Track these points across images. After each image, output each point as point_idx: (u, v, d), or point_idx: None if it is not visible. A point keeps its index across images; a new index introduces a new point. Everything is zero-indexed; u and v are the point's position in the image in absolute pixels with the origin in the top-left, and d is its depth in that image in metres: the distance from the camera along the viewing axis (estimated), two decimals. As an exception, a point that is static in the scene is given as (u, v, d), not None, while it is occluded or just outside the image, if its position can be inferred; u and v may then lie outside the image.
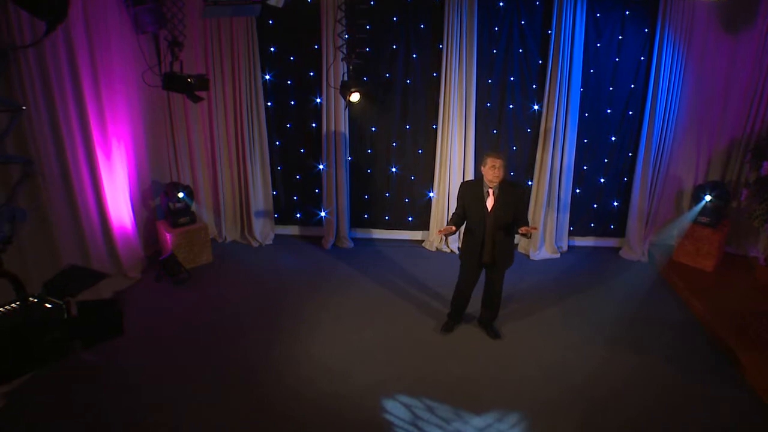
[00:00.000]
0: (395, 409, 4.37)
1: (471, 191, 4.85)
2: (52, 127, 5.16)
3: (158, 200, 6.87)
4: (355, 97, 5.80)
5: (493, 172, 4.66)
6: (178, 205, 6.55)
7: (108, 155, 5.99)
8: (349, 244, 7.25)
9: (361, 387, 4.59)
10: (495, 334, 5.32)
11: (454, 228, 4.78)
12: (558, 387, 4.66)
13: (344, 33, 5.65)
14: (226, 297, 5.98)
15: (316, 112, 6.84)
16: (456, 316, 5.41)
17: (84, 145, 5.61)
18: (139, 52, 5.98)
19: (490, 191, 4.75)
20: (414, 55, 6.58)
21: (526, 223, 4.82)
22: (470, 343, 5.24)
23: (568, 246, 7.20)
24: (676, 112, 6.47)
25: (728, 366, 4.96)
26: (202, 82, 5.18)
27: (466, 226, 4.97)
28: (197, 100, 5.22)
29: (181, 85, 5.02)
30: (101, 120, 5.84)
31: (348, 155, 6.98)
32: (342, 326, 5.45)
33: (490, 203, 4.77)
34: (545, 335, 5.39)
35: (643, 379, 4.77)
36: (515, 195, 4.79)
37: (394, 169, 7.08)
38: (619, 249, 7.18)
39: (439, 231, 4.78)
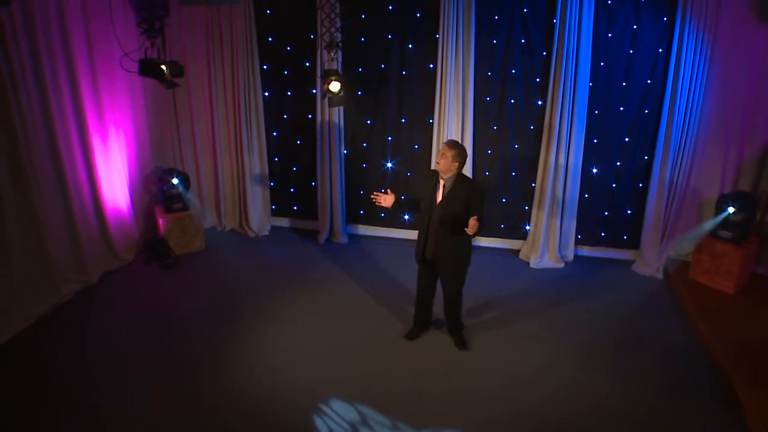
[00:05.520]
0: (330, 414, 4.14)
1: (428, 179, 4.56)
2: (43, 115, 5.30)
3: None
4: (335, 86, 5.61)
5: (438, 158, 4.35)
6: (174, 191, 6.65)
7: (104, 140, 6.15)
8: (343, 240, 7.06)
9: (301, 388, 4.38)
10: (461, 344, 4.94)
11: (392, 197, 4.41)
12: (515, 407, 4.24)
13: (326, 20, 5.46)
14: (202, 285, 5.98)
15: (312, 103, 6.69)
16: (420, 321, 5.07)
17: (78, 130, 5.76)
18: (140, 41, 6.07)
19: (441, 182, 4.42)
20: (410, 46, 6.26)
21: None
22: (433, 352, 4.90)
23: (574, 255, 6.60)
24: (698, 111, 5.74)
25: (728, 405, 4.27)
26: (176, 69, 5.16)
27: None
28: (171, 86, 5.22)
29: (155, 71, 5.04)
30: (98, 106, 5.99)
31: (343, 148, 6.78)
32: (303, 324, 5.26)
33: (439, 196, 4.45)
34: (520, 350, 4.94)
35: (616, 409, 4.22)
36: (467, 191, 4.39)
37: (389, 165, 6.79)
38: (632, 262, 6.48)
39: (374, 194, 4.45)
